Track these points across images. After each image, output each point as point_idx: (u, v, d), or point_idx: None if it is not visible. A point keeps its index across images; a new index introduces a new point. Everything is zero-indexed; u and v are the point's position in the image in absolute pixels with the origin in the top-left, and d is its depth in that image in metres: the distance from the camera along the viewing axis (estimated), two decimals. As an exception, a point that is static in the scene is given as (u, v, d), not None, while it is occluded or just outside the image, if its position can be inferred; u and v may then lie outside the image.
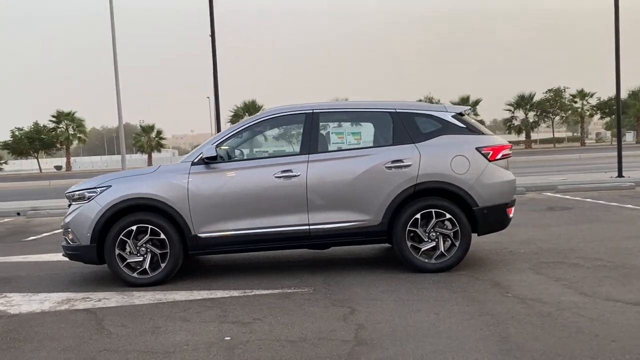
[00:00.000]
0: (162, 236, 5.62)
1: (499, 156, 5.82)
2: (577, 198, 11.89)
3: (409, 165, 5.65)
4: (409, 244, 5.65)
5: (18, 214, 14.04)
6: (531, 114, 65.07)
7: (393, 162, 5.66)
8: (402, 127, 5.83)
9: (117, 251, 5.62)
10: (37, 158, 59.80)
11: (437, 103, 6.56)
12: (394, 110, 5.92)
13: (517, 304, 4.45)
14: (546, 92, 64.99)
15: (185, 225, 5.61)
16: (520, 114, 65.17)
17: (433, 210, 5.65)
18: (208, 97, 66.59)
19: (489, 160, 5.75)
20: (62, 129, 60.22)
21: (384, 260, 6.45)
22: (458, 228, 5.64)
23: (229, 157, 5.86)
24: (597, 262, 5.83)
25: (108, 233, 5.62)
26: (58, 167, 65.91)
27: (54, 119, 60.02)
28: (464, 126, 5.89)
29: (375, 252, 6.97)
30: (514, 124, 65.28)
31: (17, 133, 57.40)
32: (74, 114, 60.35)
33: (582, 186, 13.78)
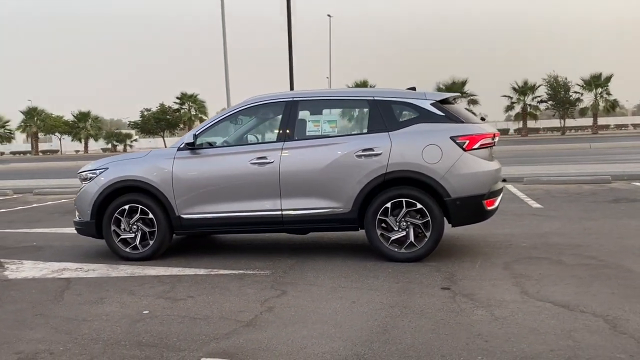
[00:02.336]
0: (151, 215, 6.10)
1: (476, 145, 5.61)
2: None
3: (379, 154, 5.63)
4: (378, 232, 5.66)
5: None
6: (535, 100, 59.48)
7: (364, 150, 5.67)
8: (379, 115, 5.81)
9: (112, 227, 6.19)
10: (162, 137, 64.43)
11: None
12: (371, 98, 5.90)
13: (444, 299, 4.37)
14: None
15: (169, 207, 6.04)
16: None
17: (404, 199, 5.60)
18: (327, 77, 67.87)
19: (464, 150, 5.57)
20: (185, 110, 64.31)
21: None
22: (429, 218, 5.55)
23: (212, 144, 6.19)
24: (585, 260, 5.47)
25: (105, 211, 6.20)
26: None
27: (178, 101, 64.28)
28: (443, 114, 5.74)
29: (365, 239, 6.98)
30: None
31: (145, 113, 62.20)
32: (196, 96, 64.18)
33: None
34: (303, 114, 6.06)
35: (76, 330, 3.93)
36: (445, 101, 5.89)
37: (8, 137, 68.86)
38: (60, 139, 74.29)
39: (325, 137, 5.91)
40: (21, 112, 68.64)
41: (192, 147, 6.03)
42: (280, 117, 6.03)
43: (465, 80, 59.80)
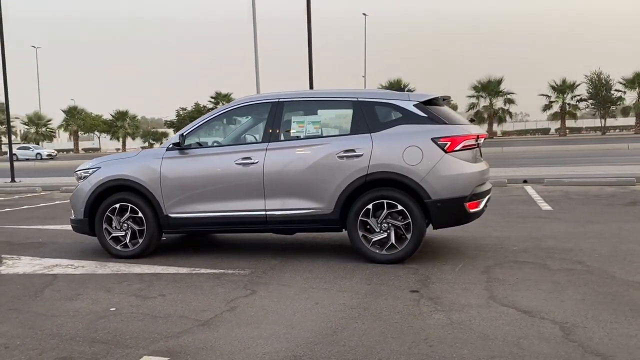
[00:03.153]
0: (140, 214, 6.23)
1: (458, 147, 5.54)
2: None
3: (360, 155, 5.62)
4: (360, 233, 5.64)
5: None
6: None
7: (345, 151, 5.66)
8: (362, 116, 5.79)
9: (104, 225, 6.35)
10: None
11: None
12: (355, 100, 5.89)
13: (407, 302, 4.34)
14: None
15: (158, 206, 6.16)
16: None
17: (385, 201, 5.57)
18: (363, 76, 67.77)
19: (446, 152, 5.51)
20: (219, 109, 64.99)
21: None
22: (410, 220, 5.51)
23: (202, 145, 6.28)
24: (571, 265, 5.34)
25: (97, 209, 6.36)
26: (218, 144, 71.39)
27: (212, 100, 65.13)
28: (425, 115, 5.69)
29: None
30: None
31: (181, 113, 63.24)
32: (230, 95, 64.88)
33: None
34: (289, 115, 6.08)
35: (40, 326, 4.05)
36: (430, 102, 5.83)
37: (50, 136, 70.94)
38: (99, 137, 76.25)
39: (309, 138, 5.92)
40: (62, 111, 70.71)
41: (178, 147, 6.12)
42: (266, 117, 6.07)
43: (501, 79, 58.80)
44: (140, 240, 6.25)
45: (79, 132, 72.78)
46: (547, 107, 59.79)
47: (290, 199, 5.82)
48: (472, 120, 6.49)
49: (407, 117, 5.71)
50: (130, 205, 6.25)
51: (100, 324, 4.05)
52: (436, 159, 5.48)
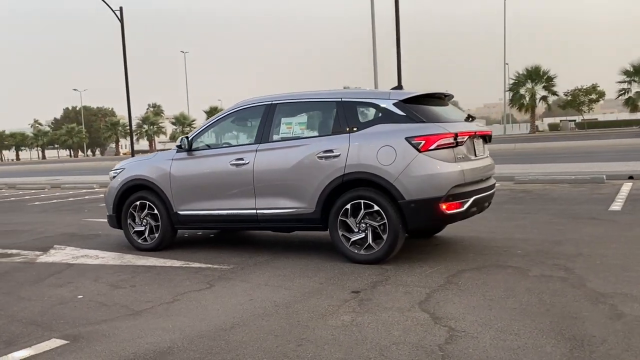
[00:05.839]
0: (155, 211, 6.80)
1: (432, 146, 5.36)
2: None
3: (338, 156, 5.66)
4: (340, 233, 5.69)
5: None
6: None
7: (324, 152, 5.74)
8: (343, 116, 5.82)
9: (128, 220, 7.01)
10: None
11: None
12: (339, 100, 5.92)
13: (334, 302, 4.36)
14: None
15: (169, 203, 6.68)
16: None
17: (362, 201, 5.57)
18: (507, 64, 65.09)
19: (419, 151, 5.36)
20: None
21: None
22: (385, 220, 5.46)
23: (210, 146, 6.69)
24: (552, 272, 4.97)
25: (123, 206, 7.04)
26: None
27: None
28: (404, 114, 5.57)
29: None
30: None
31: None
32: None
33: None
34: (279, 117, 6.26)
35: (8, 308, 4.68)
36: (414, 100, 5.69)
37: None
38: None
39: (295, 138, 6.05)
40: (204, 111, 76.28)
41: (182, 149, 6.59)
42: (259, 119, 6.32)
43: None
44: (156, 235, 6.81)
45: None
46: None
47: (276, 198, 6.01)
48: (470, 117, 6.18)
49: (386, 116, 5.64)
50: (147, 202, 6.84)
51: (55, 309, 4.58)
52: (409, 158, 5.36)
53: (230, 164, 6.24)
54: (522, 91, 60.19)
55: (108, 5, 23.50)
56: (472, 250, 5.99)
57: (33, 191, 19.68)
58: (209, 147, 6.68)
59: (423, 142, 5.36)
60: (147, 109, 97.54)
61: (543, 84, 59.39)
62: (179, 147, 6.62)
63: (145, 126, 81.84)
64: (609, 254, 5.51)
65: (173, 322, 4.06)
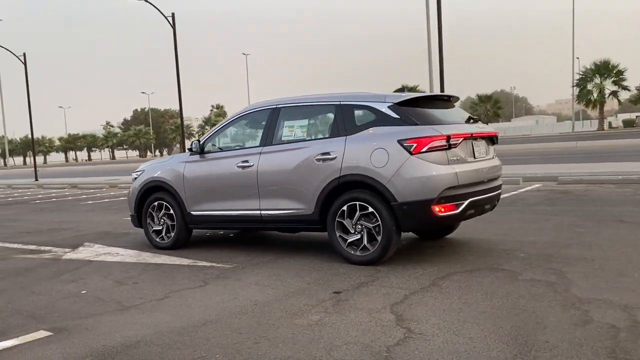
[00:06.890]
0: (171, 211, 7.12)
1: (424, 149, 5.38)
2: None
3: (334, 158, 5.77)
4: (337, 234, 5.80)
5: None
6: None
7: (322, 154, 5.86)
8: (341, 119, 5.93)
9: (147, 220, 7.37)
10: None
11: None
12: (338, 103, 6.02)
13: (312, 301, 4.48)
14: None
15: (182, 204, 6.98)
16: None
17: (357, 203, 5.65)
18: (578, 58, 62.89)
19: (411, 153, 5.39)
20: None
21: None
22: (379, 222, 5.52)
23: (223, 149, 6.94)
24: (545, 277, 4.89)
25: (143, 206, 7.41)
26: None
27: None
28: (398, 117, 5.61)
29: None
30: None
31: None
32: (416, 87, 64.73)
33: None
34: (282, 120, 6.41)
35: (18, 301, 5.06)
36: (410, 103, 5.71)
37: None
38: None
39: (296, 141, 6.19)
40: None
41: (194, 152, 6.87)
42: (264, 123, 6.51)
43: None
44: (172, 234, 7.13)
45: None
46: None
47: (278, 199, 6.18)
48: (471, 119, 6.12)
49: (381, 119, 5.69)
50: (164, 203, 7.16)
51: (57, 303, 4.92)
52: (401, 161, 5.40)
53: (237, 166, 6.46)
54: (589, 86, 57.88)
55: (161, 12, 24.35)
56: (473, 253, 5.94)
57: (91, 191, 20.72)
58: (220, 149, 6.93)
59: (415, 144, 5.38)
60: (211, 110, 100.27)
61: (613, 79, 56.87)
62: (191, 149, 6.90)
63: (208, 127, 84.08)
64: (613, 258, 5.36)
65: (153, 318, 4.29)
